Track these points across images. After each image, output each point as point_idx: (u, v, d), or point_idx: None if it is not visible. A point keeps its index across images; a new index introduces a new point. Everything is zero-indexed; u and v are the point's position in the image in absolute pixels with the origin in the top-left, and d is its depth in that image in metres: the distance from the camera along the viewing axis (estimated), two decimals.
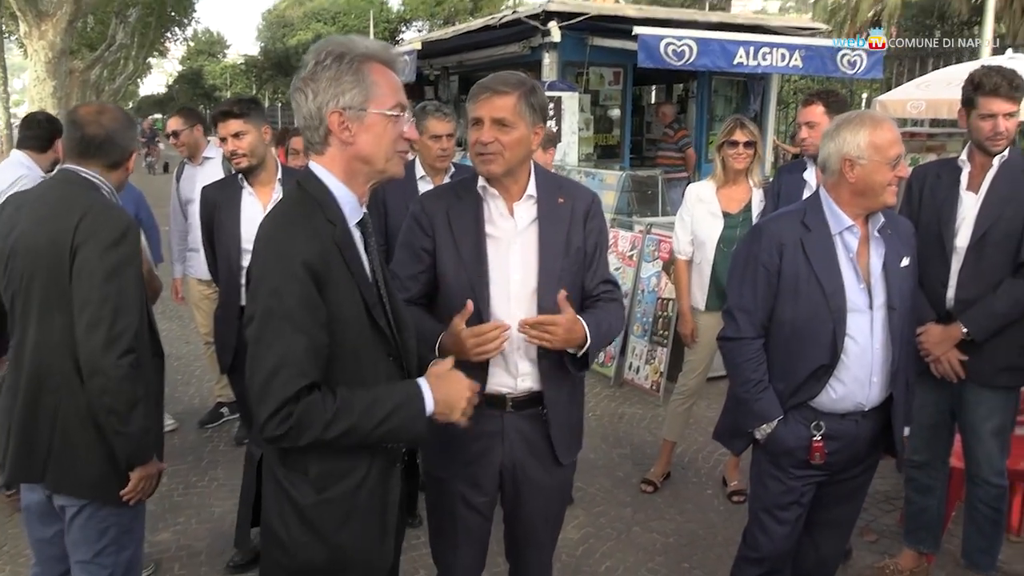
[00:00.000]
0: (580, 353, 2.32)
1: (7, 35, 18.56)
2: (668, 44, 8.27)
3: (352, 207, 1.85)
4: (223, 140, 3.53)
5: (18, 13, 12.93)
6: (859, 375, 2.55)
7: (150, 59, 36.16)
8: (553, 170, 4.04)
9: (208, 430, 5.33)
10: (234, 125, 3.46)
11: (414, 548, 3.67)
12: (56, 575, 2.58)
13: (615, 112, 11.14)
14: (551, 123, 8.37)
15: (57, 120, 4.28)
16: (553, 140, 4.98)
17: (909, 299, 2.65)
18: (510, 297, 2.33)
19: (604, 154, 10.81)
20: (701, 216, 4.28)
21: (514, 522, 2.58)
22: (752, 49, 8.74)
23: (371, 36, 4.12)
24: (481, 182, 2.37)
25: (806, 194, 3.69)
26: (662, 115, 10.97)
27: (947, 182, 3.26)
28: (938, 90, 7.56)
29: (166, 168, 25.43)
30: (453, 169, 3.80)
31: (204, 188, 3.74)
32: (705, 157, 10.81)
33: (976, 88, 3.11)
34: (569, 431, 2.51)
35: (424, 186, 3.70)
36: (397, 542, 2.01)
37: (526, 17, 9.65)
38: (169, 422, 5.02)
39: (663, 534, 4.04)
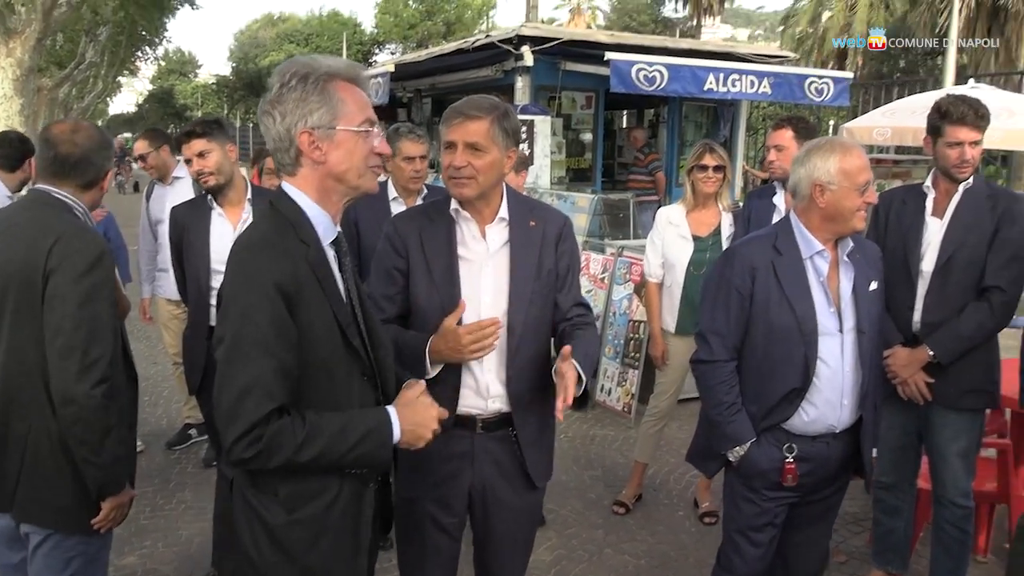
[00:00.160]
0: (579, 392, 2.23)
1: None
2: (640, 70, 8.36)
3: (326, 227, 1.85)
4: (188, 161, 3.53)
5: None
6: (831, 398, 2.57)
7: (120, 78, 35.81)
8: (525, 193, 4.07)
9: (176, 452, 5.26)
10: (198, 145, 3.46)
11: (386, 572, 3.63)
12: None
13: (587, 136, 11.22)
14: (523, 146, 8.40)
15: (30, 140, 4.22)
16: (525, 163, 5.01)
17: (877, 323, 2.68)
18: (480, 319, 2.32)
19: (576, 177, 10.88)
20: (671, 239, 4.31)
21: (484, 544, 2.57)
22: (722, 76, 8.85)
23: (344, 58, 4.12)
24: (454, 205, 2.38)
25: (775, 219, 3.74)
26: (633, 139, 11.10)
27: (912, 208, 3.32)
28: (903, 118, 7.70)
29: (136, 188, 25.20)
30: (426, 191, 3.82)
31: (173, 208, 3.71)
32: (675, 181, 10.89)
33: (943, 116, 3.16)
34: (540, 452, 2.50)
35: (397, 207, 3.71)
36: (370, 562, 1.99)
37: (499, 41, 9.70)
38: (136, 444, 4.93)
39: (635, 556, 4.03)
